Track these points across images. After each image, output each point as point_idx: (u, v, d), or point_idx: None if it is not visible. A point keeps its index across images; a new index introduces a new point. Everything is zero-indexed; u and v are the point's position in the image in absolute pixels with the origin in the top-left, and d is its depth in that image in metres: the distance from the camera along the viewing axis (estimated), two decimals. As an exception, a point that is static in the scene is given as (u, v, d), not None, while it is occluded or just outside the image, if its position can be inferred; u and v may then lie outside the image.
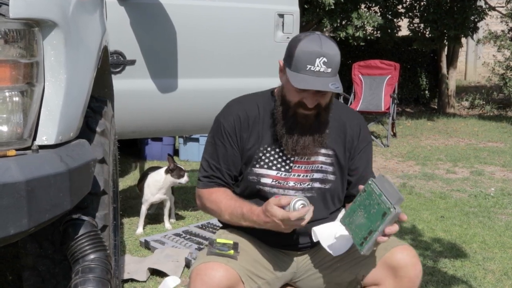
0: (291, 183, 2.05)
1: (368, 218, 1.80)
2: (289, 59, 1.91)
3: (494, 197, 5.05)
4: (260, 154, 2.04)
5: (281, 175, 2.05)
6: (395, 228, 1.79)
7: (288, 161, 2.04)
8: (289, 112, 1.96)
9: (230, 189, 2.10)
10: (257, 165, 2.04)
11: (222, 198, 2.03)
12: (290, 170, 2.05)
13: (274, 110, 2.02)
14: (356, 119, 2.16)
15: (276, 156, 2.04)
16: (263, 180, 2.04)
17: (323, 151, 2.06)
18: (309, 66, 1.85)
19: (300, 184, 2.06)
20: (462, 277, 3.20)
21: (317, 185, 2.07)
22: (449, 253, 3.58)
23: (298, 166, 2.05)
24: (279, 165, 2.04)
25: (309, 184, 2.07)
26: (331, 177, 2.09)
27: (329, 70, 1.86)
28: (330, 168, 2.09)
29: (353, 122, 2.14)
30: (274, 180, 2.04)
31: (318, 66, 1.85)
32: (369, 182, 1.84)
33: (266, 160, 2.04)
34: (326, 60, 1.85)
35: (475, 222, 4.28)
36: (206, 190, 2.09)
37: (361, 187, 1.88)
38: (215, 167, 2.07)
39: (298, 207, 1.83)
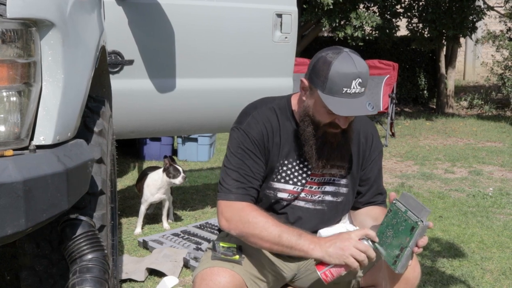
0: (303, 194, 2.03)
1: (397, 236, 1.81)
2: (321, 81, 1.83)
3: (493, 197, 5.06)
4: (279, 168, 2.00)
5: (297, 189, 2.02)
6: (425, 239, 1.80)
7: (304, 175, 2.02)
8: (318, 133, 1.92)
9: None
10: (275, 179, 2.01)
11: (269, 219, 1.87)
12: (305, 184, 2.03)
13: (300, 130, 1.95)
14: (369, 128, 2.13)
15: (293, 170, 2.01)
16: (280, 194, 2.01)
17: (337, 163, 2.02)
18: (345, 89, 1.80)
19: (311, 196, 2.04)
20: (460, 276, 3.20)
21: (328, 198, 2.05)
22: (447, 253, 3.59)
23: (312, 179, 2.03)
24: (295, 179, 2.02)
25: (320, 197, 2.05)
26: (343, 190, 2.07)
27: (363, 90, 1.83)
28: (343, 181, 2.06)
29: (367, 131, 2.11)
30: (290, 195, 2.02)
31: (354, 88, 1.80)
32: (394, 202, 1.85)
33: (284, 174, 2.01)
34: (361, 81, 1.81)
35: (473, 222, 4.29)
36: (244, 203, 1.91)
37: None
38: (249, 176, 1.93)
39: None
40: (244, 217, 1.87)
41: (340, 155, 1.95)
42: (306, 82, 1.91)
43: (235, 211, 1.89)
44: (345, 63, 1.80)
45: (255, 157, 1.95)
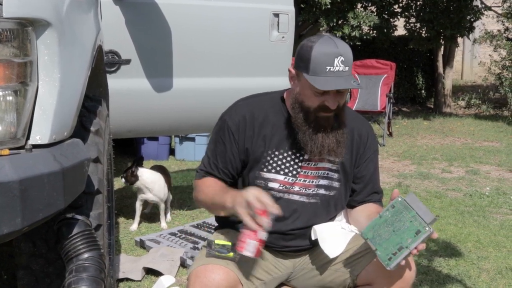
0: (297, 188, 2.04)
1: (397, 234, 1.81)
2: (305, 64, 1.88)
3: (489, 196, 5.07)
4: (268, 158, 2.02)
5: (288, 180, 2.03)
6: (424, 245, 1.82)
7: (295, 166, 2.03)
8: (309, 118, 1.93)
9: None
10: (265, 169, 2.02)
11: (212, 183, 2.03)
12: (297, 176, 2.03)
13: (292, 119, 1.98)
14: (364, 127, 2.15)
15: (284, 160, 2.02)
16: (271, 184, 2.03)
17: (330, 157, 2.04)
18: (328, 68, 1.84)
19: (305, 190, 2.05)
20: (457, 276, 3.21)
21: (322, 191, 2.06)
22: (443, 252, 3.60)
23: (305, 172, 2.04)
24: (286, 170, 2.03)
25: (314, 190, 2.06)
26: (336, 184, 2.08)
27: (347, 68, 1.86)
28: (335, 175, 2.07)
29: (362, 130, 2.12)
30: (281, 185, 2.03)
31: (337, 66, 1.84)
32: (399, 199, 1.85)
33: (274, 165, 2.02)
34: (343, 59, 1.84)
35: (470, 221, 4.30)
36: (200, 180, 2.08)
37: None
38: (214, 164, 2.05)
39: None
40: (198, 191, 2.07)
41: (335, 140, 1.95)
42: (292, 70, 1.98)
43: (196, 188, 2.10)
44: (326, 44, 1.87)
45: (224, 146, 2.03)
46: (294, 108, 1.97)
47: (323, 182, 2.06)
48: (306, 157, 2.02)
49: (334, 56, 1.84)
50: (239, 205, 1.77)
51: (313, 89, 1.87)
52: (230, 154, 2.03)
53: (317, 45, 1.86)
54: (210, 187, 2.02)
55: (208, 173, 2.07)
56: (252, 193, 1.77)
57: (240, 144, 2.02)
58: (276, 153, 2.02)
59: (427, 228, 1.78)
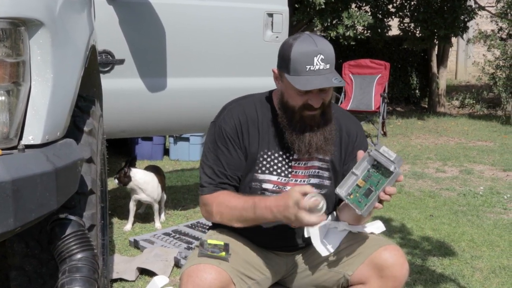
0: (289, 188, 2.04)
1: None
2: (286, 64, 1.88)
3: (483, 196, 5.08)
4: (261, 159, 2.02)
5: (281, 180, 2.03)
6: (394, 189, 1.82)
7: (286, 166, 2.03)
8: (295, 117, 1.93)
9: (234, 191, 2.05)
10: (259, 171, 2.02)
11: (230, 197, 1.96)
12: (289, 175, 2.03)
13: (278, 119, 1.98)
14: (353, 125, 2.14)
15: (276, 161, 2.02)
16: (265, 185, 2.02)
17: (319, 156, 2.04)
18: (308, 67, 1.84)
19: None
20: (450, 275, 3.22)
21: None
22: (437, 252, 3.60)
23: (296, 172, 2.04)
24: (279, 170, 2.03)
25: None
26: (327, 182, 2.07)
27: (328, 66, 1.86)
28: (326, 174, 2.07)
29: (351, 128, 2.12)
30: (275, 186, 2.02)
31: (317, 64, 1.84)
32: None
33: (267, 165, 2.02)
34: (323, 57, 1.84)
35: (464, 221, 4.31)
36: (211, 195, 2.00)
37: None
38: (221, 173, 2.00)
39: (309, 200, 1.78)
40: (213, 207, 1.99)
41: (323, 137, 1.95)
42: (276, 71, 1.98)
43: (207, 204, 2.01)
44: (305, 42, 1.87)
45: (228, 152, 1.99)
46: (280, 109, 1.98)
47: (314, 180, 2.06)
48: (295, 156, 2.02)
49: (313, 55, 1.84)
50: (300, 216, 1.78)
51: (295, 89, 1.87)
52: (236, 159, 2.00)
53: (296, 44, 1.87)
54: (231, 201, 1.96)
55: (217, 186, 2.00)
56: (296, 198, 1.77)
57: (241, 146, 2.01)
58: (269, 153, 2.02)
59: (393, 168, 1.77)
